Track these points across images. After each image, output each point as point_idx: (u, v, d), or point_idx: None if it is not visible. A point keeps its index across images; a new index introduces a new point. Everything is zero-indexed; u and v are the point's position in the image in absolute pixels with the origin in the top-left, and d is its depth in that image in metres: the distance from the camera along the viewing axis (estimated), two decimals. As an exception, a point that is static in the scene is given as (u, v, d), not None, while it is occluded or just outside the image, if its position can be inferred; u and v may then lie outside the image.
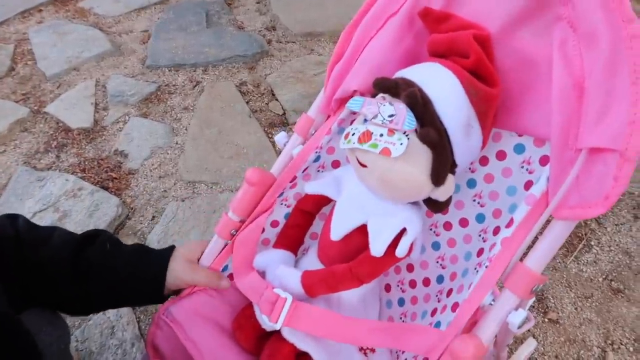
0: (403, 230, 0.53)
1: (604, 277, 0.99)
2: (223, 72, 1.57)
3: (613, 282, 0.98)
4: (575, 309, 0.94)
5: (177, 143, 1.31)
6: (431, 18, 0.54)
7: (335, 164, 0.69)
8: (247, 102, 1.44)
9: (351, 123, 0.53)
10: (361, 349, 0.66)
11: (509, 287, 0.45)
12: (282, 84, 1.50)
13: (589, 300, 0.95)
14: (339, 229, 0.58)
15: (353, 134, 0.50)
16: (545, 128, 0.48)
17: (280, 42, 1.73)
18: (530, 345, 0.55)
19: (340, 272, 0.56)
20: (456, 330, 0.46)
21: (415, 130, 0.46)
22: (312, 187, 0.62)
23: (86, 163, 1.23)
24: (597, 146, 0.39)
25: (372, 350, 0.66)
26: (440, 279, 0.66)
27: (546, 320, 0.92)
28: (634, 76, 0.37)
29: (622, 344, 0.89)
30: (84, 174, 1.20)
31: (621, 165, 0.37)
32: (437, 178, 0.49)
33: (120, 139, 1.31)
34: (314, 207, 0.66)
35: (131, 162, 1.24)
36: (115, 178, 1.19)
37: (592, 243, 1.06)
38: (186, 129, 1.35)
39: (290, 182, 0.64)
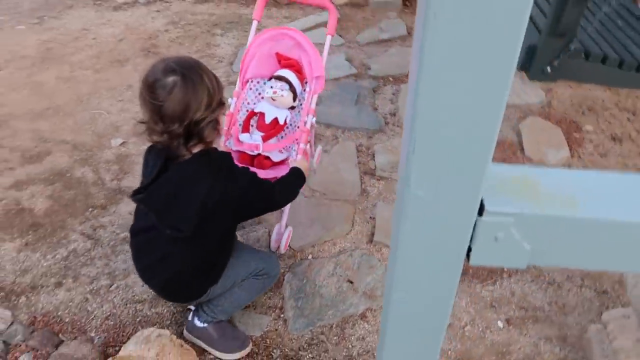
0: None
1: (496, 304, 1.85)
2: (352, 135, 2.67)
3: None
4: (469, 311, 1.82)
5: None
6: (280, 56, 1.82)
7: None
8: (358, 157, 2.51)
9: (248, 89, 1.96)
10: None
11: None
12: (381, 151, 2.54)
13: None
14: (268, 119, 1.80)
15: (271, 91, 1.78)
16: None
17: (394, 125, 2.78)
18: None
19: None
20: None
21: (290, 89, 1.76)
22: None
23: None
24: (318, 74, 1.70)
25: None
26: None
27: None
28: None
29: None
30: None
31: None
32: (294, 100, 1.76)
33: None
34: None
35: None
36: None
37: (502, 288, 1.90)
38: (320, 163, 2.47)
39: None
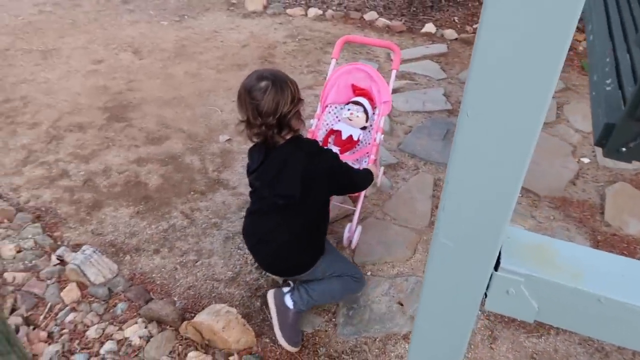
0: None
1: (536, 357, 1.91)
2: (433, 169, 2.81)
3: None
4: (508, 357, 1.91)
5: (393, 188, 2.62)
6: (354, 87, 2.16)
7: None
8: (433, 190, 2.66)
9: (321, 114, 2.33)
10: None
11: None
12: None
13: (518, 358, 1.90)
14: (344, 135, 2.21)
15: (349, 113, 2.21)
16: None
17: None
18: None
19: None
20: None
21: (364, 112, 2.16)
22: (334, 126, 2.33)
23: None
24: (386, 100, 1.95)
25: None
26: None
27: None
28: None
29: None
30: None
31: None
32: (367, 121, 2.08)
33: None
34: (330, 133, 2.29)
35: (365, 192, 2.62)
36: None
37: (547, 343, 1.96)
38: (397, 189, 2.65)
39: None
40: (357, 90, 2.29)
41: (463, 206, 0.79)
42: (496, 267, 0.88)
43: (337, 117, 2.34)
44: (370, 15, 4.72)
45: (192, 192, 2.63)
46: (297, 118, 1.69)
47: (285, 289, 1.94)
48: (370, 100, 2.27)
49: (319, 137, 2.31)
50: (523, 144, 0.68)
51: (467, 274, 0.90)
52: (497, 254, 0.86)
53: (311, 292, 1.89)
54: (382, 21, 4.62)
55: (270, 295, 1.92)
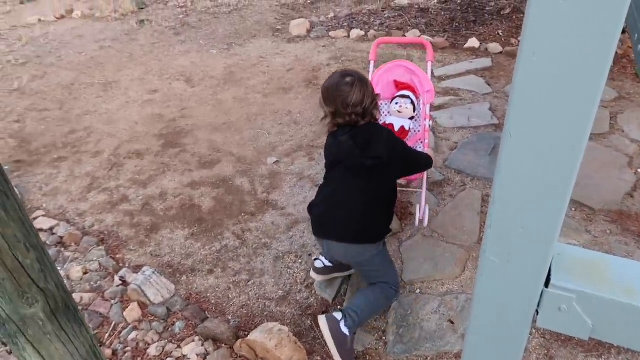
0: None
1: None
2: (481, 185, 2.79)
3: None
4: None
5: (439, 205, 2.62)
6: (396, 82, 2.49)
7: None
8: (482, 206, 2.63)
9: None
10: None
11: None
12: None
13: None
14: (396, 127, 2.42)
15: (397, 106, 2.42)
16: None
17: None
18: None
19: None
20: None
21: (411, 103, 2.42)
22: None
23: (394, 201, 2.68)
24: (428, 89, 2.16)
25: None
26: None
27: None
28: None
29: None
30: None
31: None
32: (414, 111, 2.26)
33: (413, 197, 2.70)
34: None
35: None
36: (402, 214, 2.59)
37: None
38: (444, 206, 2.64)
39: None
40: (400, 85, 2.51)
41: (510, 223, 0.81)
42: (547, 284, 0.89)
43: (386, 112, 2.56)
44: (412, 34, 4.75)
45: (242, 214, 2.73)
46: (376, 108, 2.00)
47: (338, 316, 1.92)
48: (413, 91, 2.49)
49: None
50: (569, 159, 0.70)
51: (518, 291, 0.91)
52: (548, 271, 0.87)
53: (359, 310, 1.92)
54: (425, 38, 4.64)
55: (323, 322, 1.88)
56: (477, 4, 5.47)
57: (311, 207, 2.07)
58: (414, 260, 2.34)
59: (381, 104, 2.52)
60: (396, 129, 2.42)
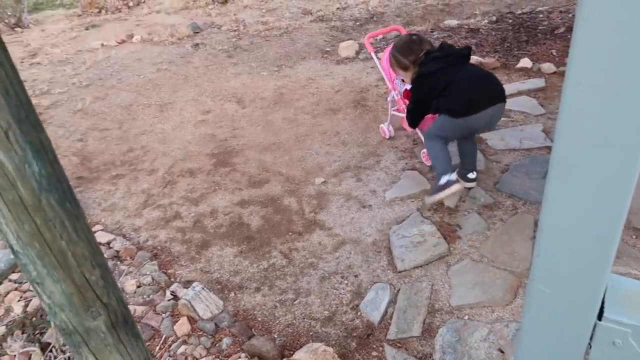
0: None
1: None
2: (533, 209, 2.71)
3: None
4: None
5: (489, 227, 2.56)
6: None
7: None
8: (534, 232, 2.55)
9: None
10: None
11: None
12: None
13: None
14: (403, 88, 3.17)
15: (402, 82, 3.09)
16: None
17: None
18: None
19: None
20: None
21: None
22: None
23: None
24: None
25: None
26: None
27: None
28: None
29: None
30: (439, 229, 2.61)
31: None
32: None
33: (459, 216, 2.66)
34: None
35: (461, 233, 2.57)
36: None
37: None
38: (494, 230, 2.58)
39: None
40: None
41: (559, 253, 0.78)
42: (600, 317, 0.85)
43: (402, 80, 3.10)
44: (462, 54, 4.72)
45: (290, 233, 2.77)
46: None
47: (472, 175, 2.89)
48: None
49: (401, 94, 3.25)
50: (621, 188, 0.67)
51: (568, 323, 0.88)
52: (600, 303, 0.83)
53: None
54: (475, 58, 4.59)
55: (467, 183, 2.88)
56: (529, 23, 5.38)
57: (454, 106, 2.53)
58: (462, 285, 2.29)
59: (397, 77, 3.22)
60: None
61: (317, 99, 4.29)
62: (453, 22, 5.65)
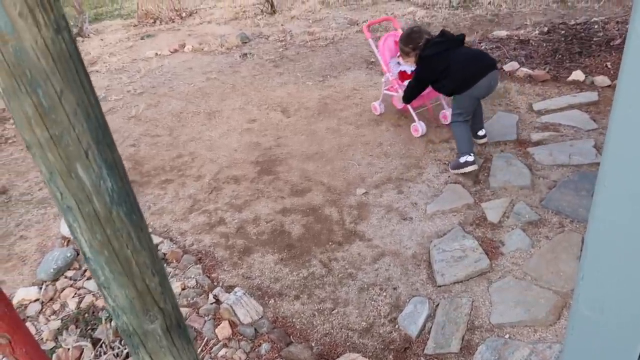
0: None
1: None
2: (581, 227, 2.62)
3: None
4: None
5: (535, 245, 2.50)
6: (396, 43, 3.63)
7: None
8: (581, 250, 2.47)
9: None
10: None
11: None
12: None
13: None
14: (408, 71, 3.82)
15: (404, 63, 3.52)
16: None
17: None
18: None
19: None
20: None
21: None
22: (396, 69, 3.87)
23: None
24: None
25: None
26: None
27: None
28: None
29: None
30: (481, 244, 2.57)
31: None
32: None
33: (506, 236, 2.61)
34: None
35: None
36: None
37: None
38: (539, 247, 2.52)
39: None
40: (397, 43, 3.49)
41: (605, 275, 0.77)
42: (645, 342, 0.83)
43: (397, 62, 3.80)
44: (510, 66, 4.64)
45: (330, 243, 2.80)
46: None
47: (482, 138, 3.53)
48: None
49: (395, 75, 3.87)
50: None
51: (613, 350, 0.86)
52: (645, 329, 0.82)
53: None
54: (524, 71, 4.50)
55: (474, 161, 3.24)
56: (583, 34, 5.22)
57: (456, 85, 3.10)
58: (503, 303, 2.25)
59: (392, 60, 3.87)
60: (408, 72, 3.80)
61: (361, 110, 4.32)
62: (502, 33, 5.56)
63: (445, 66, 3.05)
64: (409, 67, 3.66)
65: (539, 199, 2.87)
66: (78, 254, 2.90)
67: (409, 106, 3.66)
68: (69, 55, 0.48)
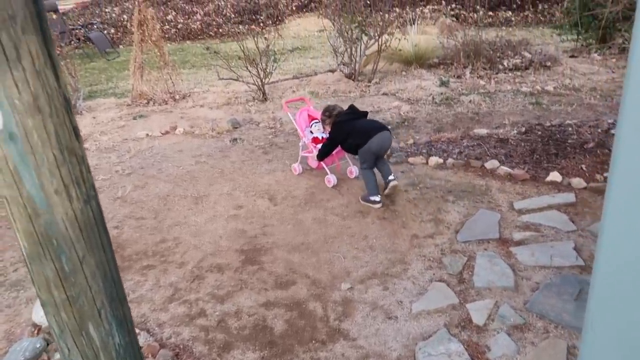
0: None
1: None
2: (566, 333, 2.61)
3: None
4: None
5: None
6: (309, 115, 4.67)
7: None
8: (567, 358, 2.44)
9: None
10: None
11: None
12: (596, 360, 2.42)
13: None
14: (320, 137, 4.82)
15: (316, 126, 4.93)
16: None
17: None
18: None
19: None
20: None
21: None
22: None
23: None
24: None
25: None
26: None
27: None
28: None
29: None
30: (467, 349, 2.52)
31: None
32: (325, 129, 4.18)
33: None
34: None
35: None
36: (479, 359, 2.46)
37: None
38: (524, 354, 2.48)
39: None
40: (310, 117, 4.99)
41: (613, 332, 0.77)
42: None
43: (310, 131, 4.92)
44: (491, 164, 4.82)
45: (313, 341, 2.73)
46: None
47: (392, 177, 4.33)
48: (317, 118, 4.91)
49: (310, 139, 4.85)
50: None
51: None
52: None
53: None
54: (504, 169, 4.68)
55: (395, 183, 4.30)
56: (558, 136, 5.50)
57: (358, 141, 4.18)
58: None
59: (307, 128, 4.92)
60: (319, 137, 4.85)
61: (347, 201, 4.39)
62: (483, 131, 5.83)
63: (350, 129, 4.21)
64: (320, 133, 4.86)
65: (522, 301, 2.88)
66: (48, 344, 2.77)
67: (322, 163, 4.64)
68: (95, 222, 0.50)
